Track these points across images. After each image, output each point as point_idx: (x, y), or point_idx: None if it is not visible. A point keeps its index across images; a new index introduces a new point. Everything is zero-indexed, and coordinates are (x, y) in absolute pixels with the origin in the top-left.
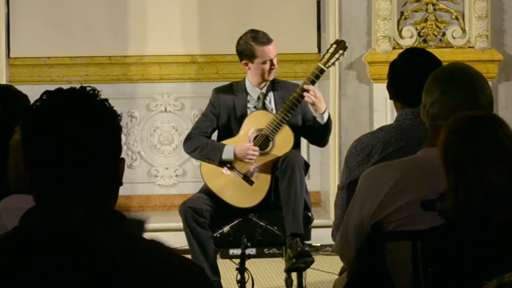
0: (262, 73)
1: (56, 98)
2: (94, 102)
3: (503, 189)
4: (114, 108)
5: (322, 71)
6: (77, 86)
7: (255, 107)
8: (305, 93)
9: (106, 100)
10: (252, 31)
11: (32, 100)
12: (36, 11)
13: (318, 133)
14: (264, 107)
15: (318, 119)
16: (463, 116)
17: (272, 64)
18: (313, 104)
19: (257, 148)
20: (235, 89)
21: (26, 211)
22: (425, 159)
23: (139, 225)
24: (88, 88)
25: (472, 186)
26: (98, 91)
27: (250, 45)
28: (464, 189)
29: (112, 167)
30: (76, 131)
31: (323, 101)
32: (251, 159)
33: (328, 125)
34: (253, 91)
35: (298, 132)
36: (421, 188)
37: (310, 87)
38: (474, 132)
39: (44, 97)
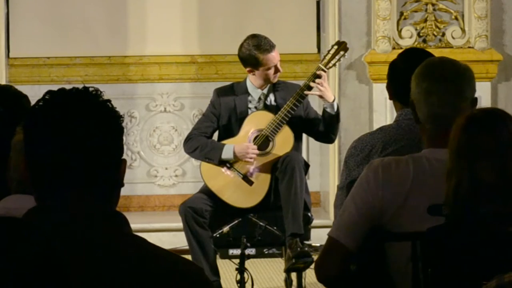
0: (267, 78)
1: (58, 98)
2: (97, 102)
3: (491, 184)
4: (117, 109)
5: (322, 71)
6: (80, 86)
7: (256, 107)
8: (316, 80)
9: (109, 100)
10: (254, 37)
11: (32, 100)
12: (36, 11)
13: (328, 125)
14: (265, 108)
15: (329, 109)
16: (477, 110)
17: (276, 69)
18: (320, 94)
19: (256, 147)
20: (236, 89)
21: (27, 211)
22: (430, 160)
23: None
24: (91, 89)
25: (463, 177)
26: (101, 92)
27: (253, 53)
28: (456, 178)
29: (113, 168)
30: (78, 131)
31: (330, 92)
32: (251, 159)
33: (338, 114)
34: (254, 92)
35: (303, 130)
36: (428, 192)
37: (321, 73)
38: (479, 126)
39: (46, 97)
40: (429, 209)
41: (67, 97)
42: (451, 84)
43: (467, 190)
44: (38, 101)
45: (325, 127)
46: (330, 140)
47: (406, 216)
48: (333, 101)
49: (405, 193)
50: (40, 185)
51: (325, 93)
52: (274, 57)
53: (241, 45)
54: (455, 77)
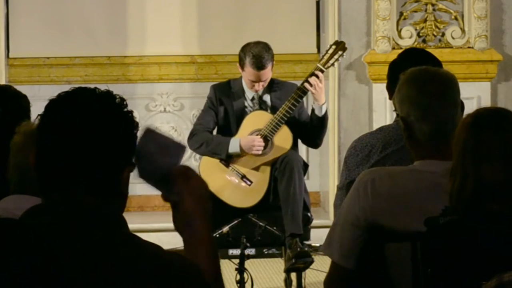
0: (247, 83)
1: (77, 95)
2: (115, 107)
3: (495, 183)
4: (135, 117)
5: (321, 71)
6: (103, 88)
7: (251, 106)
8: (312, 78)
9: (126, 105)
10: (259, 45)
11: (31, 100)
12: (36, 11)
13: (314, 128)
14: (260, 107)
15: (317, 110)
16: (482, 109)
17: (256, 83)
18: (314, 93)
19: (261, 139)
20: (232, 86)
21: (24, 211)
22: (425, 173)
23: (178, 150)
24: (115, 94)
25: (467, 175)
26: (124, 100)
27: (245, 59)
28: (460, 177)
29: (117, 172)
30: (88, 131)
31: (324, 94)
32: (258, 151)
33: (324, 118)
34: (249, 91)
35: (294, 131)
36: (421, 205)
37: (319, 74)
38: (485, 124)
39: (67, 91)
40: (426, 222)
41: (87, 96)
42: (448, 98)
43: (472, 188)
44: (59, 93)
45: (311, 129)
46: (314, 145)
47: (399, 230)
48: (323, 104)
49: (398, 207)
50: (45, 176)
51: (318, 93)
52: (257, 75)
53: (247, 44)
54: (449, 90)
